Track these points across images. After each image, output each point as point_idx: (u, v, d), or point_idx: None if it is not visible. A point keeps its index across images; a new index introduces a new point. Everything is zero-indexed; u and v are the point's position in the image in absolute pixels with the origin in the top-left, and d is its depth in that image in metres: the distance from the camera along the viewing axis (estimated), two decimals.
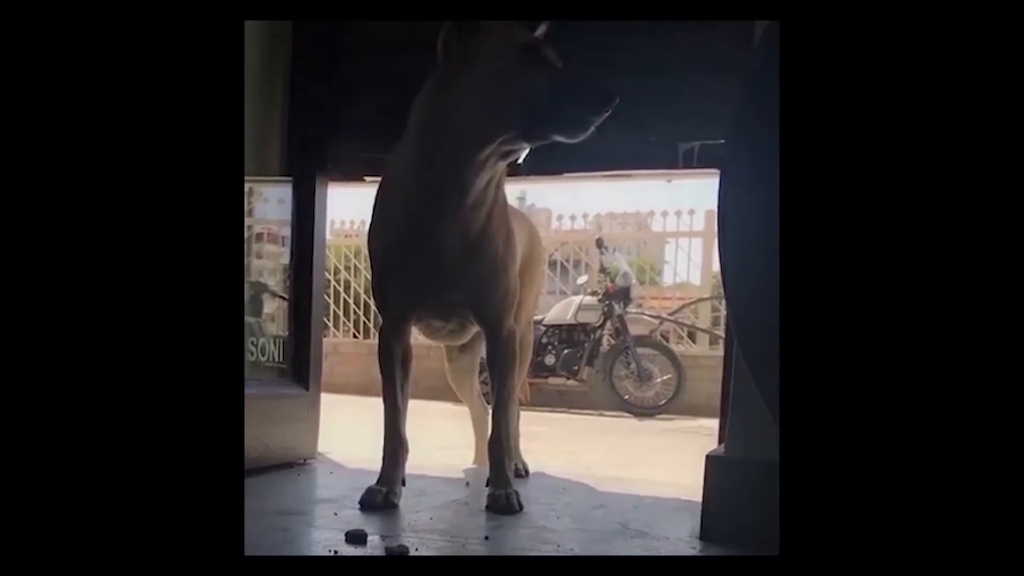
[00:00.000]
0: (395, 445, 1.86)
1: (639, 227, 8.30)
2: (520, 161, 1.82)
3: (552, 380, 6.01)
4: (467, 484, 2.17)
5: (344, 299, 7.67)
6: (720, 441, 1.84)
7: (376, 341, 1.93)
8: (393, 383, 1.88)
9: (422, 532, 1.58)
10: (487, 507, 1.80)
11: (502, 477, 1.85)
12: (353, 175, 2.46)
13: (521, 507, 1.80)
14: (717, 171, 1.95)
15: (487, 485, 1.88)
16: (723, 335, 5.92)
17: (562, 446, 3.64)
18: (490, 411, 2.47)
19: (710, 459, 1.62)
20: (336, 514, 1.69)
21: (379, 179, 1.99)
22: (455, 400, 2.67)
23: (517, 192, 6.57)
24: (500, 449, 1.87)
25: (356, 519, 1.65)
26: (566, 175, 2.19)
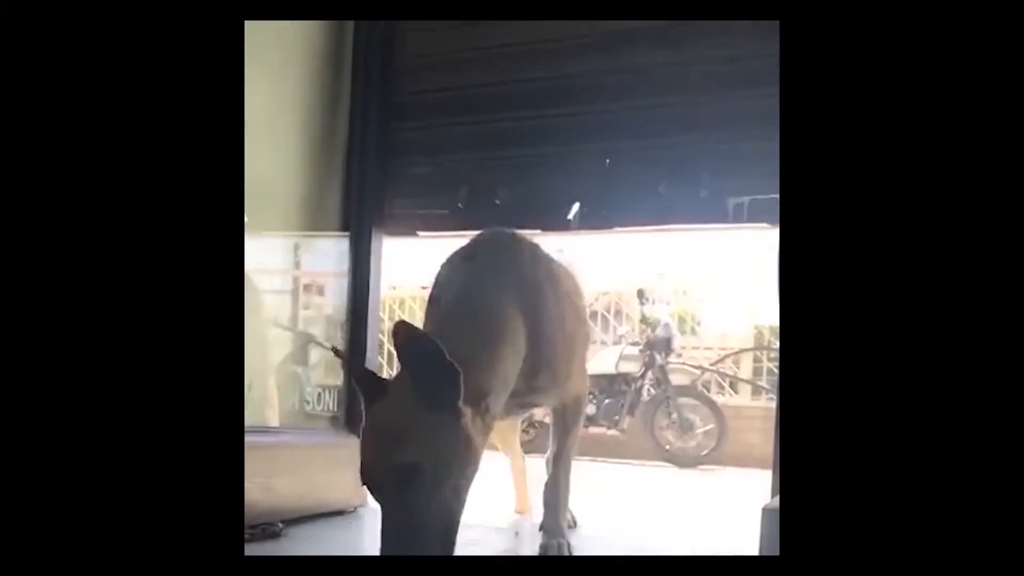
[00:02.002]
0: None
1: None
2: (570, 217, 1.86)
3: (593, 429, 5.97)
4: (516, 534, 2.18)
5: (388, 349, 7.73)
6: (773, 494, 1.83)
7: None
8: None
9: None
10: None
11: (555, 526, 1.86)
12: (408, 230, 2.52)
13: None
14: (767, 225, 1.98)
15: (540, 529, 1.89)
16: (767, 386, 5.87)
17: (608, 496, 3.61)
18: (526, 460, 2.48)
19: (767, 512, 1.61)
20: None
21: (432, 234, 2.01)
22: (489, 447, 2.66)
23: (557, 245, 6.60)
24: (556, 498, 1.88)
25: None
26: (617, 229, 2.21)
